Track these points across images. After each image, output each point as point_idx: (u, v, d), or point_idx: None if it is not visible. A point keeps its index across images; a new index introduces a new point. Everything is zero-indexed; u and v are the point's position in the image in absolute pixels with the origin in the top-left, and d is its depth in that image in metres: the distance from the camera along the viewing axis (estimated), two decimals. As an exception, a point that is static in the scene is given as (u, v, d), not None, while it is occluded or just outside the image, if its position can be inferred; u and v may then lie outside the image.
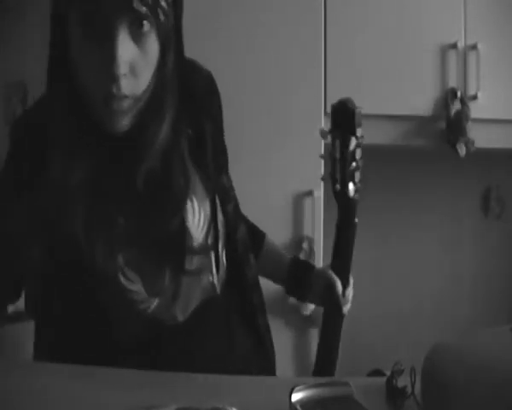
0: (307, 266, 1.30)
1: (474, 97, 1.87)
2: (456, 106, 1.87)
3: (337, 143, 1.09)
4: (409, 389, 0.88)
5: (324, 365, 1.17)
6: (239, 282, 1.10)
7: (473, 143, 1.86)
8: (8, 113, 2.64)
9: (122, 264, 0.92)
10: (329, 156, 1.09)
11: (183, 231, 0.95)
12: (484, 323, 2.13)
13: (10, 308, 1.24)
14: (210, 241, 1.00)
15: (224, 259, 1.05)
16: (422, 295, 2.34)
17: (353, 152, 1.09)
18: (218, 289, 1.04)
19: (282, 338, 1.86)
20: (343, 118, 1.10)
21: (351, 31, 1.89)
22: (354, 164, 1.09)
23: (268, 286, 1.83)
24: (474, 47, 1.88)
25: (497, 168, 2.32)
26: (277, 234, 1.86)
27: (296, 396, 0.79)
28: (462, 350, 0.78)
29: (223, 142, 1.13)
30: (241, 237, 1.09)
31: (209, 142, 1.03)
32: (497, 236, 2.37)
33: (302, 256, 1.85)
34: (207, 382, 1.07)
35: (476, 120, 1.87)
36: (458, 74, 1.90)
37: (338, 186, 1.08)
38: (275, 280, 1.32)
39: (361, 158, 1.07)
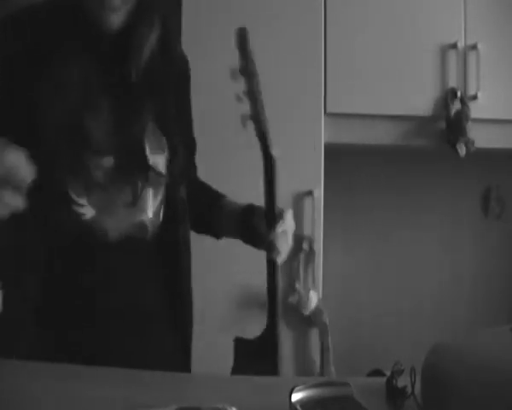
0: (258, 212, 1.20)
1: (474, 97, 1.87)
2: (456, 106, 1.87)
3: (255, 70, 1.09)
4: (409, 389, 0.88)
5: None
6: (170, 239, 1.12)
7: (473, 143, 1.86)
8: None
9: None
10: (247, 94, 1.09)
11: (142, 147, 1.03)
12: (484, 323, 2.13)
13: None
14: (160, 180, 1.06)
15: (161, 211, 1.09)
16: (422, 295, 2.34)
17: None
18: (148, 235, 1.08)
19: (282, 338, 1.86)
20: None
21: (351, 31, 1.89)
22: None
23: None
24: (474, 47, 1.88)
25: (497, 168, 2.32)
26: (277, 234, 1.86)
27: (296, 396, 0.79)
28: (462, 350, 0.78)
29: (182, 112, 1.17)
30: (181, 198, 1.13)
31: (171, 101, 1.10)
32: (497, 236, 2.37)
33: (302, 256, 1.85)
34: (207, 382, 1.07)
35: (476, 120, 1.87)
36: (458, 74, 1.90)
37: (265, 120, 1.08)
38: (236, 236, 1.23)
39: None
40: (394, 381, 0.92)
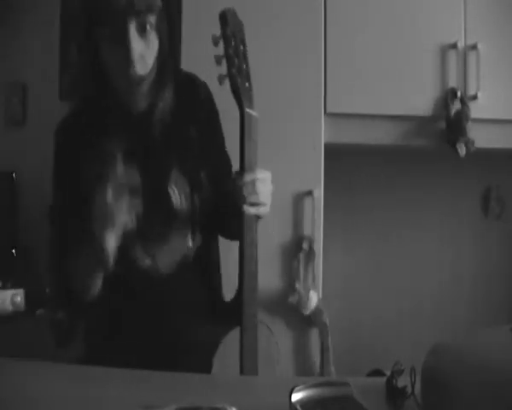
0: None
1: (474, 97, 1.87)
2: (456, 106, 1.87)
3: (232, 42, 1.14)
4: (409, 389, 0.88)
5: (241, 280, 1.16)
6: (204, 260, 1.33)
7: (473, 143, 1.86)
8: (8, 113, 2.64)
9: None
10: (225, 59, 1.13)
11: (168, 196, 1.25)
12: (484, 323, 2.13)
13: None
14: (187, 215, 1.27)
15: (198, 234, 1.30)
16: (422, 295, 2.34)
17: (245, 52, 1.17)
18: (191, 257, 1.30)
19: (282, 338, 1.86)
20: (235, 24, 1.18)
21: (351, 31, 1.89)
22: (245, 66, 1.16)
23: (268, 286, 1.83)
24: (474, 47, 1.88)
25: (497, 168, 2.32)
26: (277, 234, 1.86)
27: (296, 396, 0.79)
28: (462, 350, 0.78)
29: (210, 145, 1.33)
30: (211, 223, 1.33)
31: (194, 144, 1.29)
32: (497, 236, 2.37)
33: (302, 256, 1.85)
34: (207, 382, 1.07)
35: (476, 120, 1.87)
36: (458, 74, 1.90)
37: (239, 81, 1.14)
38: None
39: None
40: (394, 381, 0.92)
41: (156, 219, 1.23)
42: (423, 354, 0.83)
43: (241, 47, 1.16)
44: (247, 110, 1.14)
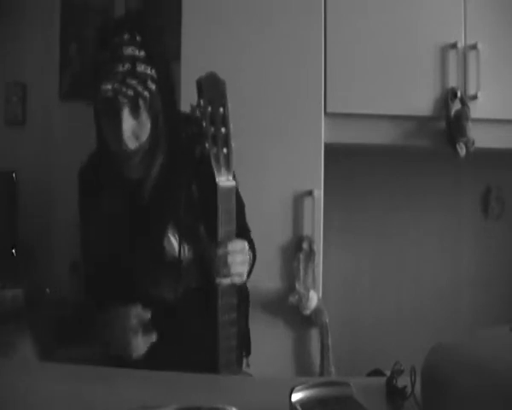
0: None
1: (474, 97, 1.87)
2: (456, 106, 1.87)
3: (208, 111, 1.15)
4: (409, 389, 0.88)
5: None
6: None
7: (473, 143, 1.86)
8: (8, 113, 2.64)
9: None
10: (199, 126, 1.15)
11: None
12: (484, 323, 2.13)
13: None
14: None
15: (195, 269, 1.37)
16: (422, 295, 2.34)
17: (225, 115, 1.17)
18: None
19: (282, 338, 1.86)
20: (213, 88, 1.17)
21: (351, 31, 1.88)
22: (224, 129, 1.17)
23: (268, 286, 1.83)
24: (474, 47, 1.88)
25: (497, 168, 2.32)
26: (277, 234, 1.86)
27: (296, 396, 0.79)
28: (462, 350, 0.78)
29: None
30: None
31: (193, 199, 1.36)
32: (497, 236, 2.37)
33: (302, 256, 1.85)
34: (207, 382, 1.07)
35: (476, 120, 1.87)
36: (458, 74, 1.90)
37: (213, 149, 1.16)
38: None
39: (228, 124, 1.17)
40: (394, 381, 0.92)
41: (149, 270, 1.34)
42: (423, 354, 0.83)
43: (221, 110, 1.16)
44: (221, 184, 1.16)
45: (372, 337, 2.31)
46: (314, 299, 1.84)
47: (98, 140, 1.34)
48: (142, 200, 1.35)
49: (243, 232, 1.39)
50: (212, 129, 1.15)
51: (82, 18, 2.52)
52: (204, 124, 1.15)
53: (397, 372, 0.93)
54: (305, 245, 1.85)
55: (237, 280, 1.21)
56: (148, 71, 1.24)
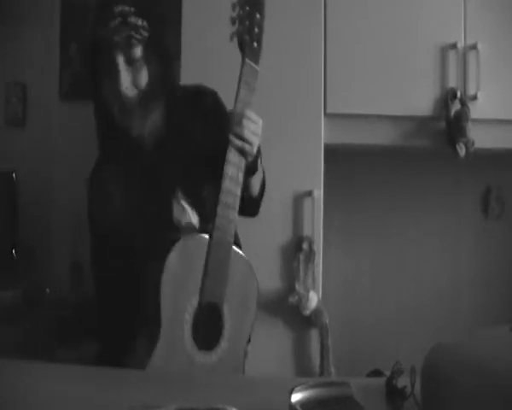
0: None
1: (474, 97, 1.87)
2: (456, 106, 1.87)
3: (246, 8, 1.33)
4: (409, 389, 0.88)
5: None
6: None
7: (473, 143, 1.86)
8: (8, 113, 2.64)
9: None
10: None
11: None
12: (484, 323, 2.13)
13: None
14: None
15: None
16: (422, 295, 2.34)
17: (260, 19, 1.38)
18: None
19: (282, 338, 1.86)
20: None
21: (351, 31, 1.88)
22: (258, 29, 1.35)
23: (268, 286, 1.83)
24: (474, 47, 1.87)
25: (497, 168, 2.32)
26: (277, 234, 1.86)
27: (296, 396, 0.79)
28: (462, 350, 0.78)
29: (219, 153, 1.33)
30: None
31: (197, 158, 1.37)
32: (497, 236, 2.37)
33: (302, 256, 1.85)
34: (208, 382, 1.07)
35: (476, 120, 1.87)
36: (458, 74, 1.90)
37: (247, 38, 1.32)
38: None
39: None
40: (394, 381, 0.92)
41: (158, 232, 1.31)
42: (423, 354, 0.83)
43: (257, 15, 1.32)
44: (247, 60, 1.28)
45: (372, 337, 2.31)
46: (314, 299, 1.84)
47: (97, 103, 1.34)
48: (148, 158, 1.34)
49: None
50: (247, 22, 1.29)
51: (82, 18, 2.52)
52: (241, 13, 1.28)
53: (397, 372, 0.93)
54: (305, 245, 1.85)
55: (247, 148, 1.25)
56: (140, 22, 1.28)
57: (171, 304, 1.19)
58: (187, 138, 1.39)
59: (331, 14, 1.88)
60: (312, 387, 0.81)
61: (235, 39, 1.29)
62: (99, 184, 1.42)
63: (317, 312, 1.85)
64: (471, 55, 1.88)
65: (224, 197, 1.22)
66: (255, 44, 1.31)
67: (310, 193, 1.85)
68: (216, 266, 1.22)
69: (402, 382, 0.91)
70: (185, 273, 1.21)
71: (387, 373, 0.95)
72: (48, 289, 2.30)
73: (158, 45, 1.35)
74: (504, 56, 1.90)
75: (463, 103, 1.86)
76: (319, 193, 1.86)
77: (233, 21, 1.29)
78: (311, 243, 1.86)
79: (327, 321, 1.86)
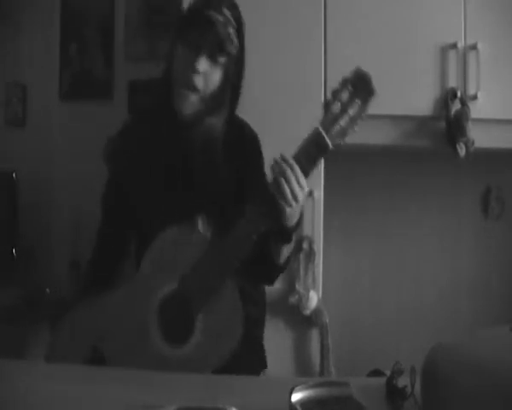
0: None
1: (474, 97, 1.87)
2: (456, 106, 1.87)
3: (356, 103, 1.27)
4: (409, 389, 0.88)
5: None
6: None
7: (473, 143, 1.86)
8: (8, 113, 2.64)
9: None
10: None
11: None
12: (484, 323, 2.13)
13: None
14: None
15: None
16: (422, 295, 2.34)
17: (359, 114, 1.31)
18: None
19: (282, 338, 1.86)
20: (360, 84, 1.28)
21: (351, 30, 1.88)
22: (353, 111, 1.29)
23: (268, 286, 1.83)
24: (474, 47, 1.87)
25: (497, 168, 2.32)
26: (277, 234, 1.86)
27: (296, 396, 0.79)
28: (462, 350, 0.78)
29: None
30: None
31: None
32: (497, 236, 2.37)
33: (302, 256, 1.85)
34: (207, 382, 1.07)
35: (476, 120, 1.87)
36: (458, 74, 1.90)
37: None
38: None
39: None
40: (394, 381, 0.92)
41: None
42: (423, 354, 0.83)
43: (358, 102, 1.28)
44: (321, 129, 1.27)
45: (372, 337, 2.31)
46: (314, 299, 1.84)
47: (165, 76, 1.37)
48: (190, 149, 1.36)
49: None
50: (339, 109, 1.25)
51: (82, 18, 2.52)
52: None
53: (397, 372, 0.93)
54: (305, 245, 1.85)
55: (288, 204, 1.21)
56: (234, 39, 1.34)
57: (146, 279, 1.26)
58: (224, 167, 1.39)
59: (331, 14, 1.88)
60: (312, 387, 0.81)
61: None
62: (126, 130, 1.47)
63: (317, 311, 1.85)
64: (471, 55, 1.88)
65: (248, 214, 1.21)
66: (339, 126, 1.27)
67: (310, 193, 1.85)
68: (206, 269, 1.22)
69: (402, 382, 0.91)
70: (167, 259, 1.24)
71: (387, 373, 0.95)
72: (48, 289, 2.31)
73: (238, 68, 1.39)
74: (504, 56, 1.90)
75: (463, 103, 1.86)
76: (319, 193, 1.86)
77: (327, 104, 1.26)
78: (311, 243, 1.86)
79: (327, 321, 1.86)
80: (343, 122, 1.26)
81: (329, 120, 1.26)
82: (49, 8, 2.56)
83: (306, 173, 1.25)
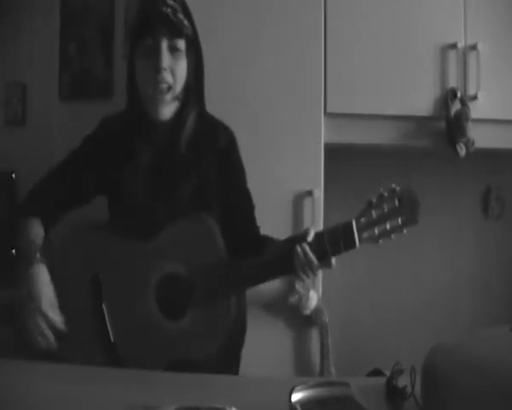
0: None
1: (474, 97, 1.87)
2: (456, 106, 1.87)
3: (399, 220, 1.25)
4: (409, 389, 0.88)
5: None
6: None
7: (473, 143, 1.86)
8: (8, 113, 2.64)
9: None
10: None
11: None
12: (484, 323, 2.13)
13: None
14: None
15: None
16: (422, 295, 2.34)
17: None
18: None
19: (282, 338, 1.86)
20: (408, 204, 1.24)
21: (351, 30, 1.88)
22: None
23: (268, 286, 1.83)
24: (474, 47, 1.87)
25: (497, 168, 2.32)
26: (277, 234, 1.86)
27: (296, 396, 0.79)
28: (462, 350, 0.78)
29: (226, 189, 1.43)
30: None
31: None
32: (497, 236, 2.37)
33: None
34: (207, 382, 1.07)
35: (476, 120, 1.87)
36: (458, 74, 1.90)
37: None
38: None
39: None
40: (394, 381, 0.92)
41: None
42: (423, 354, 0.83)
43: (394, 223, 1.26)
44: (353, 224, 1.27)
45: (372, 337, 2.31)
46: (314, 299, 1.84)
47: (129, 87, 1.39)
48: (175, 149, 1.38)
49: (255, 238, 1.48)
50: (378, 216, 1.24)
51: (82, 18, 2.52)
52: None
53: (397, 372, 0.93)
54: (305, 245, 1.85)
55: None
56: (186, 22, 1.34)
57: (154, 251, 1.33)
58: (202, 165, 1.40)
59: (331, 14, 1.88)
60: (312, 387, 0.81)
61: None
62: (105, 123, 1.49)
63: (317, 311, 1.85)
64: (471, 55, 1.88)
65: None
66: (373, 232, 1.27)
67: (310, 193, 1.85)
68: (215, 279, 1.29)
69: (402, 382, 0.91)
70: (175, 247, 1.32)
71: (387, 373, 0.95)
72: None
73: (196, 50, 1.39)
74: (504, 56, 1.90)
75: (463, 103, 1.86)
76: (319, 193, 1.86)
77: (369, 205, 1.25)
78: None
79: (327, 321, 1.86)
80: (377, 230, 1.26)
81: (366, 221, 1.25)
82: (49, 8, 2.56)
83: (326, 254, 1.26)
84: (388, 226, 1.24)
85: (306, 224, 1.86)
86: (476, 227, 2.38)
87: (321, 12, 1.88)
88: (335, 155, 1.97)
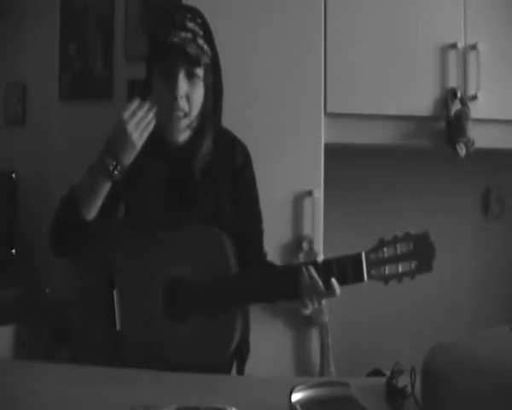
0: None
1: (474, 97, 1.87)
2: (456, 106, 1.87)
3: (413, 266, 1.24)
4: (409, 389, 0.88)
5: None
6: None
7: (473, 143, 1.86)
8: (8, 113, 2.64)
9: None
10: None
11: None
12: (484, 323, 2.13)
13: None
14: None
15: None
16: (422, 295, 2.34)
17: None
18: None
19: (282, 338, 1.86)
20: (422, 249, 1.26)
21: (351, 30, 1.88)
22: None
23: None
24: (474, 47, 1.87)
25: (497, 168, 2.32)
26: (277, 234, 1.86)
27: (296, 396, 0.79)
28: (462, 350, 0.78)
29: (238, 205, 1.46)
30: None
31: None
32: (497, 236, 2.37)
33: (302, 256, 1.85)
34: (207, 382, 1.07)
35: (476, 120, 1.87)
36: (458, 74, 1.90)
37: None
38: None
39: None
40: (394, 381, 0.92)
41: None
42: (423, 354, 0.83)
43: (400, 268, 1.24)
44: (363, 258, 1.29)
45: (372, 337, 2.31)
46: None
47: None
48: (192, 177, 1.38)
49: (260, 263, 1.50)
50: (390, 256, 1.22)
51: (82, 18, 2.52)
52: None
53: (397, 372, 0.93)
54: (305, 245, 1.85)
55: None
56: (205, 47, 1.34)
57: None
58: (217, 182, 1.42)
59: (331, 14, 1.88)
60: (312, 387, 0.81)
61: None
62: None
63: (317, 311, 1.85)
64: (471, 55, 1.88)
65: None
66: (383, 270, 1.26)
67: (310, 193, 1.85)
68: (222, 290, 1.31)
69: (402, 382, 0.91)
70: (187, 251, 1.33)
71: (387, 373, 0.95)
72: (48, 289, 2.30)
73: (216, 70, 1.40)
74: (504, 56, 1.90)
75: (463, 103, 1.86)
76: (319, 193, 1.86)
77: (382, 243, 1.26)
78: (311, 243, 1.85)
79: (327, 320, 1.86)
80: (388, 270, 1.23)
81: (376, 258, 1.25)
82: (49, 7, 2.56)
83: (332, 281, 1.28)
84: (400, 269, 1.22)
85: (306, 224, 1.86)
86: (476, 227, 2.38)
87: (321, 12, 1.87)
88: (335, 155, 1.97)
